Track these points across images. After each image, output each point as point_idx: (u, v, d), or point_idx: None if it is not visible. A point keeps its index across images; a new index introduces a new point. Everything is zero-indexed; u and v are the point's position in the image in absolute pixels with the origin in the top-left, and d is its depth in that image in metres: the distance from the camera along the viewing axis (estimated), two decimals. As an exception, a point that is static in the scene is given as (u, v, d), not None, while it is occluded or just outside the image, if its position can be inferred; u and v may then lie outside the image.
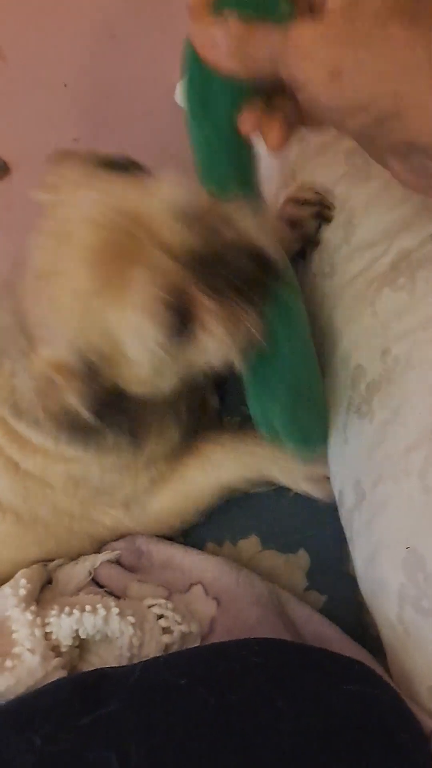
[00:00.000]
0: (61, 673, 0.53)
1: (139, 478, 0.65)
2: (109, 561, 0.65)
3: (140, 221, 0.47)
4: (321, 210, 0.63)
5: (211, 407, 0.71)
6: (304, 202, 0.64)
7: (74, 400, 0.50)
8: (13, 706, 0.48)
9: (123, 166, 0.55)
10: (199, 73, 0.47)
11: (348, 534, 0.60)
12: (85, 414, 0.51)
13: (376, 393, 0.55)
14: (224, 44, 0.40)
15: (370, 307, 0.56)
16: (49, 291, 0.49)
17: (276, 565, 0.65)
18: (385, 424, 0.54)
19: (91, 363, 0.49)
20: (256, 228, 0.49)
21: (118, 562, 0.66)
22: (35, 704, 0.47)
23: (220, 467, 0.66)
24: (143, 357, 0.49)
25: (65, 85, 0.97)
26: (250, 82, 0.43)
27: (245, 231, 0.48)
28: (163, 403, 0.58)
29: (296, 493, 0.66)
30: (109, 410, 0.52)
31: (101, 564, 0.65)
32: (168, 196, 0.48)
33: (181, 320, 0.47)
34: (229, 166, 0.51)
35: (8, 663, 0.53)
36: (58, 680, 0.51)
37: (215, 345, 0.49)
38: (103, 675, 0.48)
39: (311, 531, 0.66)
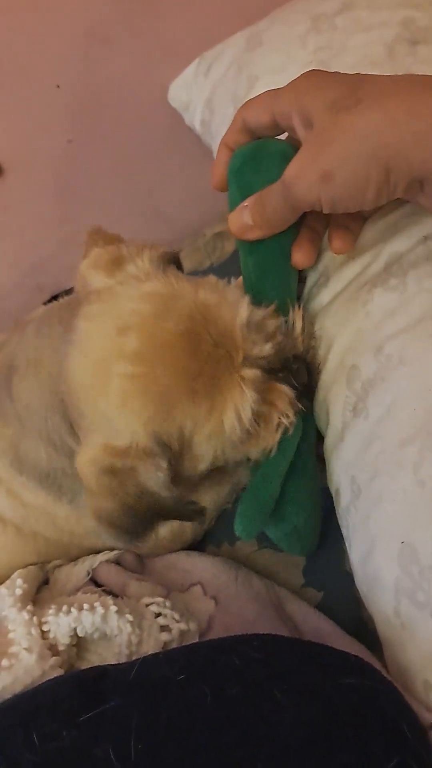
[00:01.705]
0: (59, 672, 0.53)
1: None
2: (108, 561, 0.65)
3: (224, 331, 0.50)
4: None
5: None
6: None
7: (153, 477, 0.49)
8: (13, 704, 0.48)
9: (173, 259, 0.57)
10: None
11: (344, 531, 0.60)
12: (166, 489, 0.50)
13: (371, 391, 0.55)
14: (246, 221, 0.53)
15: (363, 308, 0.57)
16: (115, 390, 0.48)
17: (273, 563, 0.66)
18: (379, 421, 0.54)
19: (168, 448, 0.50)
20: (304, 336, 0.56)
21: (117, 562, 0.66)
22: (35, 701, 0.47)
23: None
24: (209, 455, 0.51)
25: (58, 87, 0.98)
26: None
27: (297, 339, 0.55)
28: None
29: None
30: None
31: (100, 563, 0.65)
32: (240, 304, 0.51)
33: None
34: (279, 278, 0.58)
35: (5, 662, 0.53)
36: (58, 677, 0.51)
37: (271, 440, 0.54)
38: (103, 672, 0.48)
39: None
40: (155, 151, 1.00)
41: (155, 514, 0.52)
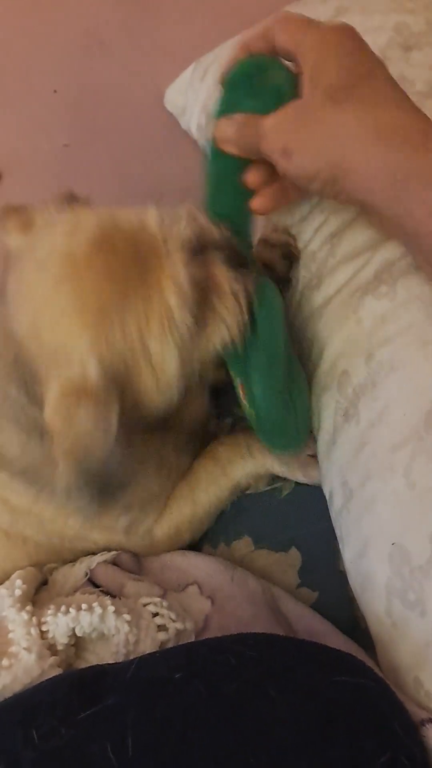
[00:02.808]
0: (57, 671, 0.54)
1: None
2: (106, 561, 0.66)
3: (136, 231, 0.49)
4: (288, 249, 0.66)
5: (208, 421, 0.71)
6: (274, 244, 0.67)
7: (104, 426, 0.46)
8: (12, 703, 0.49)
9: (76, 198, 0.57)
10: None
11: (338, 533, 0.61)
12: (112, 444, 0.47)
13: (362, 396, 0.56)
14: (228, 134, 0.53)
15: (354, 315, 0.58)
16: (52, 315, 0.48)
17: (268, 563, 0.66)
18: (370, 426, 0.55)
19: (114, 383, 0.47)
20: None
21: (114, 562, 0.67)
22: (34, 700, 0.48)
23: (230, 467, 0.66)
24: (172, 351, 0.49)
25: (55, 92, 0.98)
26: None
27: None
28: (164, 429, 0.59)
29: (287, 494, 0.67)
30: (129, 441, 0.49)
31: (97, 564, 0.65)
32: (151, 209, 0.51)
33: (198, 304, 0.49)
34: (234, 199, 0.57)
35: (4, 662, 0.54)
36: (56, 676, 0.52)
37: (225, 325, 0.52)
38: (101, 671, 0.49)
39: (302, 530, 0.67)
40: (152, 155, 1.01)
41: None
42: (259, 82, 0.54)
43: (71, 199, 0.56)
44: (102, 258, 0.48)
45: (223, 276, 0.51)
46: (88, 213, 0.51)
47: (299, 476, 0.65)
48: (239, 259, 0.52)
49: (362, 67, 0.49)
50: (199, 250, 0.51)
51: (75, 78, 0.99)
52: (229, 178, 0.56)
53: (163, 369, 0.49)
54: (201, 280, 0.50)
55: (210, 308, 0.51)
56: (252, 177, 0.55)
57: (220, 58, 0.87)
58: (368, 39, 0.71)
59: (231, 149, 0.54)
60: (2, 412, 0.55)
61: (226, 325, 0.52)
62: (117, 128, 1.00)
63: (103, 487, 0.49)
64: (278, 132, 0.49)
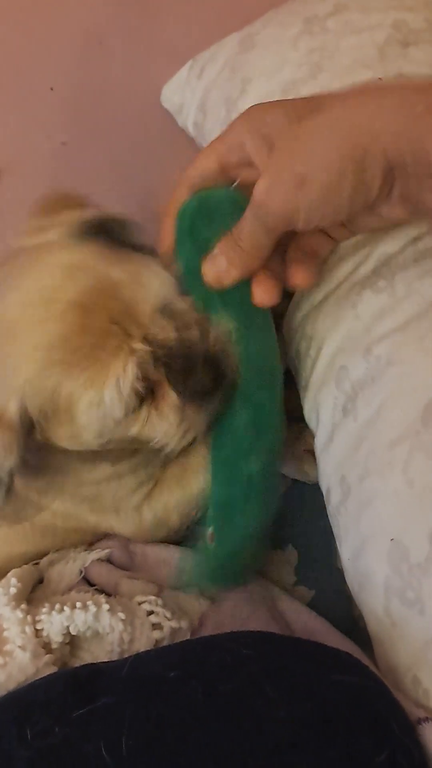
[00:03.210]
0: (52, 669, 0.54)
1: (123, 482, 0.64)
2: (100, 559, 0.66)
3: (126, 306, 0.49)
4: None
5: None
6: None
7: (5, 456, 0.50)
8: (7, 701, 0.48)
9: (117, 225, 0.55)
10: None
11: (335, 530, 0.61)
12: (7, 468, 0.51)
13: (360, 392, 0.56)
14: (226, 262, 0.50)
15: (352, 310, 0.58)
16: (10, 351, 0.50)
17: (265, 561, 0.66)
18: (369, 421, 0.55)
19: (29, 420, 0.50)
20: (224, 341, 0.52)
21: (108, 560, 0.66)
22: (28, 698, 0.47)
23: None
24: (93, 426, 0.51)
25: (52, 89, 0.98)
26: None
27: (214, 341, 0.52)
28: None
29: (284, 491, 0.67)
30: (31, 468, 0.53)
31: (92, 562, 0.65)
32: (156, 288, 0.51)
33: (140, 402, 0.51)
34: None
35: (-2, 659, 0.54)
36: (51, 675, 0.52)
37: (162, 430, 0.53)
38: (96, 669, 0.48)
39: (300, 527, 0.66)
40: (150, 153, 1.01)
41: None
42: (210, 208, 0.52)
43: (68, 202, 0.56)
44: (69, 322, 0.49)
45: (169, 401, 0.52)
46: (93, 262, 0.51)
47: (294, 473, 0.65)
48: (203, 384, 0.52)
49: (300, 98, 0.49)
50: (180, 367, 0.51)
51: (73, 76, 0.99)
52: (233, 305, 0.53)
53: (81, 435, 0.52)
54: (150, 385, 0.51)
55: (153, 406, 0.52)
56: (260, 292, 0.52)
57: (216, 56, 0.87)
58: (366, 36, 0.71)
59: (234, 276, 0.51)
60: None
61: (159, 428, 0.53)
62: (115, 126, 1.00)
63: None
64: (279, 178, 0.45)
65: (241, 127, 0.50)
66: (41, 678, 0.51)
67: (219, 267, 0.51)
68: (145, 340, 0.50)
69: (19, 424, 0.50)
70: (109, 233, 0.54)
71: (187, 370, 0.51)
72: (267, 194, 0.46)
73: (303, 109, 0.47)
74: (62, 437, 0.52)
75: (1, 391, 0.50)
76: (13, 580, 0.61)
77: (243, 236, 0.49)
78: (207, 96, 0.86)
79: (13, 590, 0.60)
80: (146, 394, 0.51)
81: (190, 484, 0.65)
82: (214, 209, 0.52)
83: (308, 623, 0.60)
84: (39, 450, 0.53)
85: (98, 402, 0.49)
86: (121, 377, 0.49)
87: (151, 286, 0.51)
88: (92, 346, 0.49)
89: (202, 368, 0.52)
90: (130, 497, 0.65)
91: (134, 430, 0.53)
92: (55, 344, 0.49)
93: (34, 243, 0.53)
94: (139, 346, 0.49)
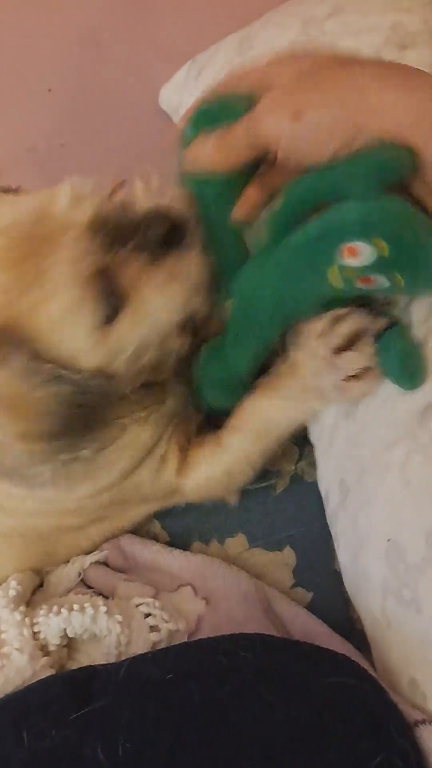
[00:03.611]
0: (49, 672, 0.54)
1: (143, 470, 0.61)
2: (97, 562, 0.66)
3: (47, 218, 0.47)
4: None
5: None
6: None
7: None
8: (4, 703, 0.48)
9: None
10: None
11: (333, 532, 0.61)
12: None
13: (361, 399, 0.56)
14: (211, 147, 0.50)
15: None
16: None
17: (263, 562, 0.66)
18: (367, 423, 0.55)
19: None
20: (155, 194, 0.51)
21: (105, 563, 0.66)
22: (25, 701, 0.47)
23: (266, 424, 0.60)
24: (88, 348, 0.48)
25: (50, 91, 0.98)
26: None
27: (145, 198, 0.50)
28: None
29: (282, 492, 0.67)
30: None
31: (89, 565, 0.65)
32: (71, 192, 0.49)
33: (114, 300, 0.47)
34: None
35: (-5, 662, 0.54)
36: (48, 677, 0.52)
37: (158, 308, 0.49)
38: (93, 672, 0.48)
39: (297, 529, 0.66)
40: (148, 154, 1.01)
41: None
42: (226, 107, 0.51)
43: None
44: (4, 250, 0.46)
45: (133, 268, 0.48)
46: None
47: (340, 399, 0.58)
48: (157, 228, 0.48)
49: (341, 55, 0.49)
50: (111, 233, 0.48)
51: (70, 77, 0.99)
52: (214, 206, 0.52)
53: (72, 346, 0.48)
54: (105, 269, 0.47)
55: (134, 294, 0.48)
56: (241, 204, 0.52)
57: (215, 57, 0.87)
58: (364, 38, 0.71)
59: (217, 161, 0.50)
60: None
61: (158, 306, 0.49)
62: (113, 127, 1.00)
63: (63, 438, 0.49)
64: (281, 101, 0.46)
65: (281, 63, 0.50)
66: (38, 681, 0.51)
67: (204, 147, 0.50)
68: (72, 235, 0.47)
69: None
70: None
71: (137, 227, 0.48)
72: (264, 111, 0.47)
73: (335, 59, 0.47)
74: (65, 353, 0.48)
75: None
76: (13, 583, 0.61)
77: (231, 135, 0.49)
78: (196, 98, 0.86)
79: (12, 593, 0.60)
80: (113, 288, 0.47)
81: (233, 448, 0.61)
82: (224, 111, 0.51)
83: (305, 625, 0.60)
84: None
85: (66, 320, 0.46)
86: (63, 284, 0.46)
87: (64, 191, 0.49)
88: (26, 259, 0.46)
89: (153, 221, 0.48)
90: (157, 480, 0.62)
91: (131, 330, 0.49)
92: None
93: None
94: (71, 235, 0.46)
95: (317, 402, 0.58)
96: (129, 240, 0.48)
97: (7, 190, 0.55)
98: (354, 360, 0.54)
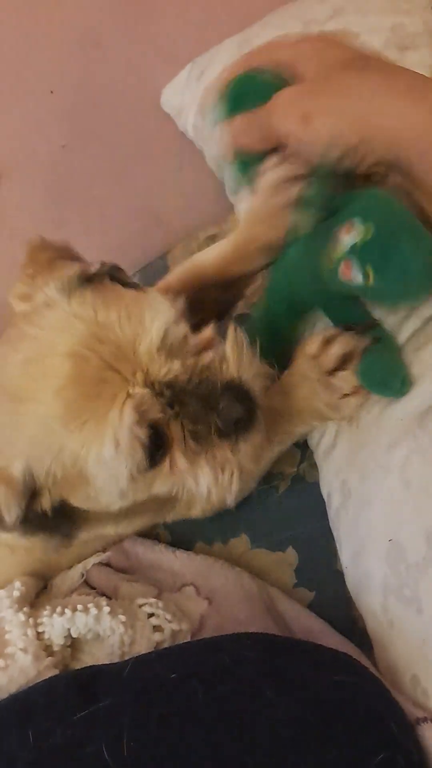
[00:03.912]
0: (53, 672, 0.54)
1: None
2: (100, 563, 0.66)
3: (121, 348, 0.47)
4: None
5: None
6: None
7: (5, 512, 0.48)
8: (9, 703, 0.49)
9: (104, 275, 0.53)
10: None
11: (336, 534, 0.61)
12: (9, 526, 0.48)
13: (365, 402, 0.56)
14: (239, 127, 0.53)
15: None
16: (15, 410, 0.48)
17: (265, 563, 0.66)
18: (368, 426, 0.55)
19: (34, 485, 0.48)
20: (242, 363, 0.49)
21: (108, 563, 0.67)
22: (30, 700, 0.48)
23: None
24: (108, 486, 0.48)
25: (52, 92, 0.98)
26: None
27: (231, 367, 0.49)
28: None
29: (285, 492, 0.67)
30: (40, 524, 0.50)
31: (92, 566, 0.65)
32: (151, 322, 0.47)
33: (154, 453, 0.47)
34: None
35: (0, 663, 0.54)
36: (53, 677, 0.52)
37: (194, 481, 0.49)
38: (97, 671, 0.49)
39: (299, 529, 0.67)
40: (150, 155, 1.01)
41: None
42: (258, 85, 0.54)
43: (68, 255, 0.54)
44: (65, 377, 0.46)
45: (179, 441, 0.48)
46: (82, 314, 0.48)
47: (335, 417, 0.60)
48: (232, 412, 0.47)
49: (364, 52, 0.50)
50: (199, 400, 0.47)
51: (72, 79, 0.99)
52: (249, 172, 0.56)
53: (98, 497, 0.49)
54: (162, 431, 0.47)
55: (173, 460, 0.49)
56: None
57: (216, 58, 0.87)
58: (364, 39, 0.71)
59: (243, 142, 0.53)
60: None
61: (175, 481, 0.49)
62: (114, 129, 1.00)
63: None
64: (295, 100, 0.49)
65: (311, 48, 0.52)
66: (43, 680, 0.51)
67: (235, 128, 0.53)
68: (147, 381, 0.46)
69: (23, 486, 0.47)
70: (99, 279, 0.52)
71: (206, 405, 0.47)
72: (278, 106, 0.50)
73: (356, 60, 0.49)
74: (80, 500, 0.49)
75: (6, 448, 0.48)
76: (17, 584, 0.61)
77: (250, 125, 0.52)
78: (207, 98, 0.86)
79: (16, 593, 0.60)
80: (161, 443, 0.47)
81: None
82: (254, 89, 0.54)
83: (307, 624, 0.60)
84: (58, 514, 0.49)
85: (101, 458, 0.46)
86: (117, 427, 0.45)
87: (146, 320, 0.47)
88: (87, 397, 0.45)
89: (223, 397, 0.47)
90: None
91: (158, 485, 0.49)
92: (52, 400, 0.46)
93: (28, 308, 0.51)
94: (137, 390, 0.46)
95: (308, 424, 0.61)
96: (198, 405, 0.47)
97: (67, 254, 0.54)
98: (348, 380, 0.56)
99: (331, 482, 0.61)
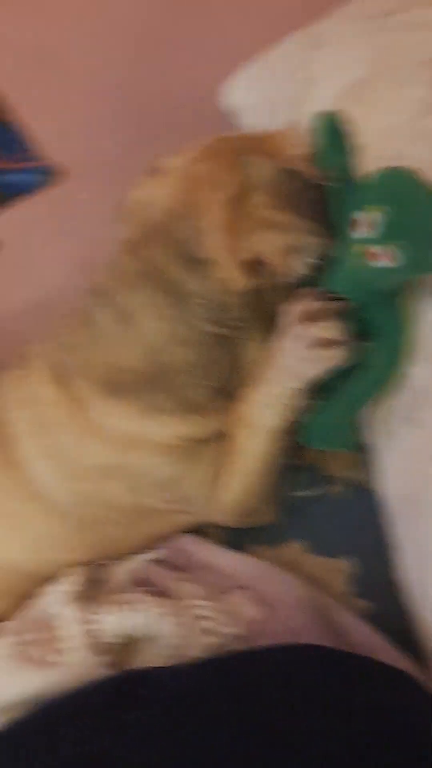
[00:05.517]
0: (103, 671, 0.54)
1: (200, 466, 0.63)
2: (154, 560, 0.66)
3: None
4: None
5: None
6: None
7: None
8: (44, 709, 0.49)
9: None
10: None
11: (394, 541, 0.59)
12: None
13: (425, 402, 0.54)
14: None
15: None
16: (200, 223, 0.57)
17: (318, 570, 0.65)
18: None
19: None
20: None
21: (161, 562, 0.66)
22: (67, 705, 0.47)
23: (261, 418, 0.62)
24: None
25: (114, 93, 0.99)
26: None
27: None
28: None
29: (342, 499, 0.66)
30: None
31: (146, 563, 0.65)
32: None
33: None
34: None
35: (50, 658, 0.54)
36: (90, 683, 0.51)
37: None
38: (136, 679, 0.48)
39: (357, 537, 0.65)
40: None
41: None
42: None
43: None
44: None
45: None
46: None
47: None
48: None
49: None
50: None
51: (135, 78, 1.00)
52: None
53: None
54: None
55: None
56: None
57: (281, 54, 0.86)
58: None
59: None
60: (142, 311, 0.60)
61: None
62: (172, 128, 1.00)
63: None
64: None
65: None
66: (81, 686, 0.51)
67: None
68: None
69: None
70: None
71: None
72: None
73: None
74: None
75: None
76: (69, 580, 0.62)
77: None
78: (272, 95, 0.85)
79: (69, 589, 0.60)
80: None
81: (246, 447, 0.63)
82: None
83: (362, 637, 0.58)
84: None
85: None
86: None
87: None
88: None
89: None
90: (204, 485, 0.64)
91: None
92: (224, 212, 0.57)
93: None
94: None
95: (292, 381, 0.60)
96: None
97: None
98: (320, 330, 0.58)
99: (391, 490, 0.59)
